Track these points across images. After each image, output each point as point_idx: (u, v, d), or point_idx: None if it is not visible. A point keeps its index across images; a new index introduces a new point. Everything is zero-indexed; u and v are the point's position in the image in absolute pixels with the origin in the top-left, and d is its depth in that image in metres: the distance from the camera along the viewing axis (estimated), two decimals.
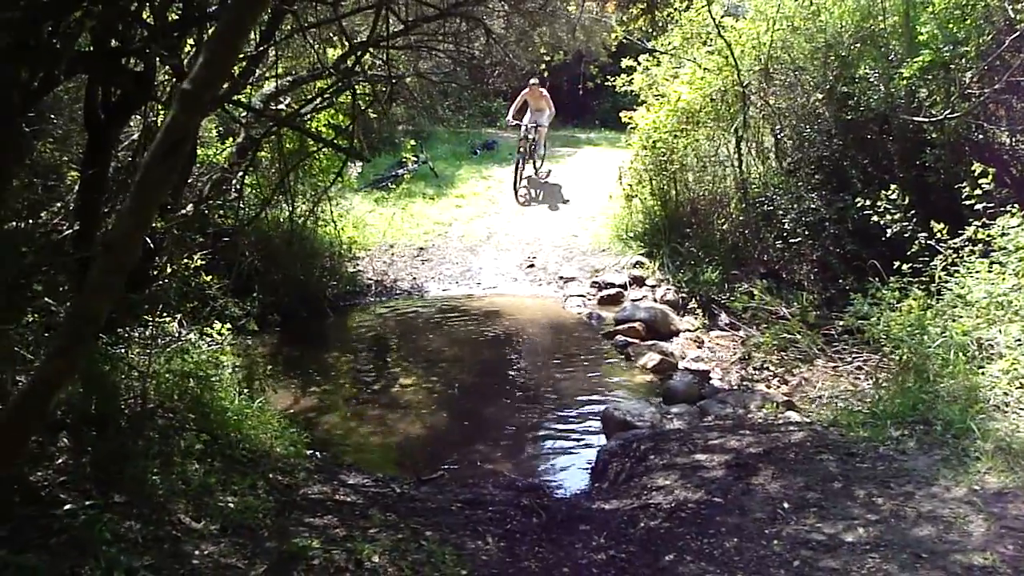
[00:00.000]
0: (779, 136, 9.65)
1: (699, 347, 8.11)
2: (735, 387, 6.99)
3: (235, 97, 5.77)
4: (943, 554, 3.75)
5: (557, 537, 4.29)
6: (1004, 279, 5.82)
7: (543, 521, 4.51)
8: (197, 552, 3.69)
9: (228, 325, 5.88)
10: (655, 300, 9.37)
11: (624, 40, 11.31)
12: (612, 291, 9.88)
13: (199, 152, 7.25)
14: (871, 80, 8.29)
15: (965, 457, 4.58)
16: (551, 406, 6.87)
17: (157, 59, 5.01)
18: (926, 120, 7.77)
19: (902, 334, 5.80)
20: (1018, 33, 7.12)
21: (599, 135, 22.21)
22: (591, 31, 11.83)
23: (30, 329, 4.54)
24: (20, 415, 1.64)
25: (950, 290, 6.05)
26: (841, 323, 6.85)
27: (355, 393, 7.08)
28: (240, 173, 6.63)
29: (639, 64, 10.95)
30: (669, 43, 10.58)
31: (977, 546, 3.78)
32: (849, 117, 8.50)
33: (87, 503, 3.60)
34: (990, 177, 6.52)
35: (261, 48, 6.15)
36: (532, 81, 14.37)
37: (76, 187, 5.76)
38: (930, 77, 7.89)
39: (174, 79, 5.28)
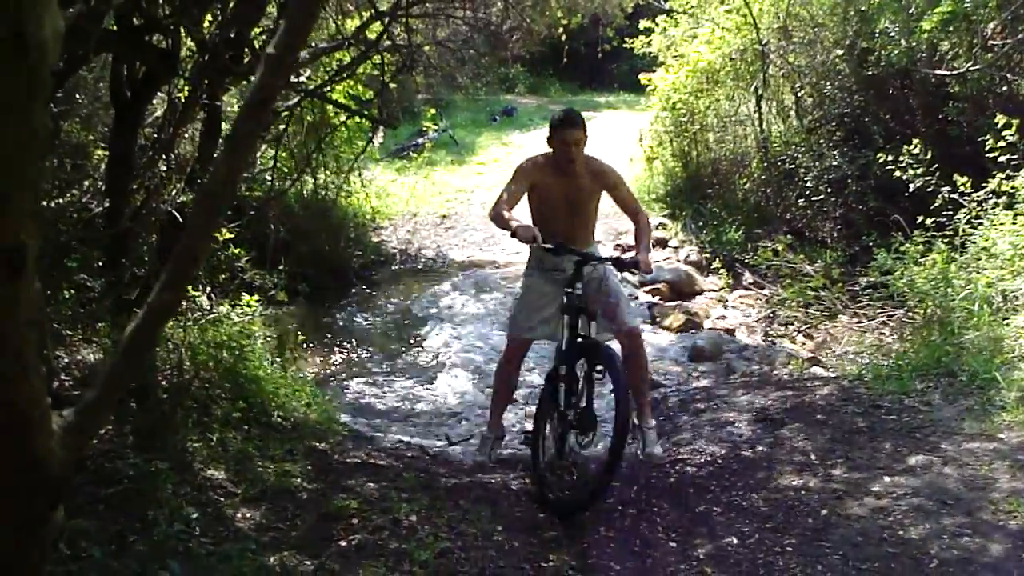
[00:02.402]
0: (799, 94, 9.61)
1: (724, 306, 8.15)
2: (760, 344, 7.04)
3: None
4: (969, 501, 3.82)
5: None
6: None
7: (575, 478, 4.59)
8: (239, 515, 3.81)
9: (257, 296, 5.99)
10: (679, 261, 9.40)
11: (641, 1, 11.24)
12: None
13: (223, 126, 7.31)
14: (891, 34, 8.22)
15: (990, 407, 4.64)
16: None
17: (182, 35, 5.08)
18: (948, 73, 7.71)
19: (926, 288, 5.83)
20: None
21: (617, 98, 22.13)
22: None
23: (67, 305, 4.67)
24: (134, 343, 1.79)
25: (974, 243, 6.05)
26: (865, 279, 6.87)
27: (384, 359, 7.20)
28: (265, 146, 6.70)
29: (657, 25, 10.90)
30: (687, 3, 10.51)
31: (1003, 493, 3.84)
32: (870, 73, 8.45)
33: (131, 471, 3.72)
34: (1014, 128, 6.47)
35: (280, 21, 6.20)
36: (559, 116, 4.61)
37: (103, 165, 5.87)
38: (951, 29, 7.81)
39: (199, 55, 5.34)
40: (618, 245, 10.22)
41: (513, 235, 4.32)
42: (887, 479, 4.13)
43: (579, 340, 4.41)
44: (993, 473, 4.03)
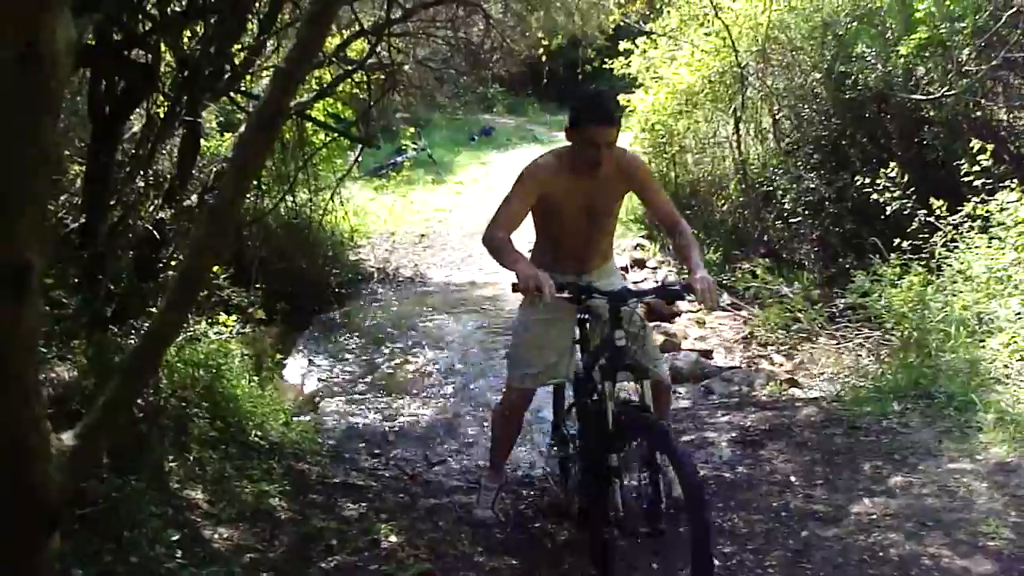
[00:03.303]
0: (777, 116, 9.69)
1: (702, 327, 8.16)
2: (739, 366, 7.05)
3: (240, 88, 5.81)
4: (948, 523, 3.83)
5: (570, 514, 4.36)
6: (1003, 253, 5.89)
7: (555, 499, 4.57)
8: (216, 536, 3.77)
9: (235, 315, 5.95)
10: (656, 282, 9.41)
11: (621, 23, 11.32)
12: None
13: (202, 144, 7.28)
14: (868, 59, 8.32)
15: (968, 429, 4.67)
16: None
17: (162, 50, 5.06)
18: (924, 98, 7.81)
19: (904, 310, 5.88)
20: (1014, 9, 7.16)
21: None
22: (587, 15, 11.89)
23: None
24: (137, 363, 1.75)
25: (950, 266, 6.12)
26: (843, 301, 6.92)
27: (362, 379, 7.15)
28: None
29: (636, 47, 10.98)
30: (666, 25, 10.60)
31: (981, 514, 3.86)
32: (847, 96, 8.53)
33: (107, 491, 3.66)
34: (988, 153, 6.57)
35: (261, 38, 6.19)
36: (587, 105, 3.56)
37: (79, 180, 5.81)
38: (927, 55, 7.92)
39: (179, 71, 5.32)
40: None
41: (515, 287, 3.32)
42: (867, 500, 4.14)
43: (629, 412, 3.36)
44: (971, 494, 4.06)
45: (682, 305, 8.59)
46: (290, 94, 1.72)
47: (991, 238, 6.06)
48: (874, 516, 3.98)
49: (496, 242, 3.55)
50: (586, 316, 3.79)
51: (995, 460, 4.33)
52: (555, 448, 4.40)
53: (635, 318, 3.50)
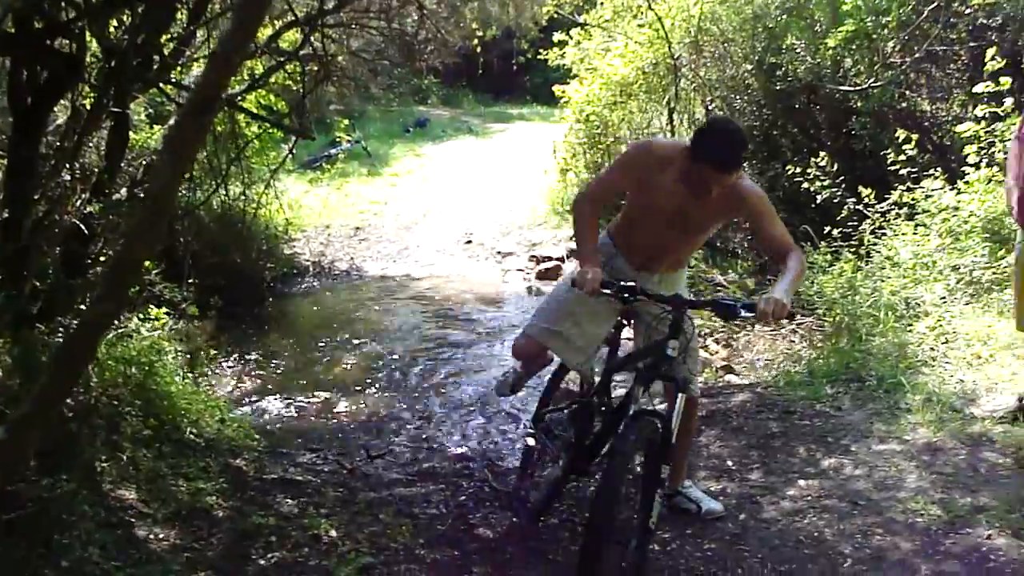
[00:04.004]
0: (710, 107, 9.81)
1: None
2: None
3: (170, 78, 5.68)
4: (879, 502, 3.96)
5: (511, 504, 4.37)
6: (928, 240, 6.08)
7: (496, 491, 4.58)
8: (151, 536, 3.69)
9: (167, 310, 5.82)
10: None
11: (555, 14, 11.35)
12: (551, 264, 9.95)
13: (131, 136, 7.10)
14: (798, 51, 8.48)
15: (897, 410, 4.81)
16: (494, 379, 6.92)
17: (87, 39, 4.91)
18: (851, 89, 7.99)
19: (835, 296, 6.03)
20: (935, 4, 7.37)
21: (531, 110, 22.32)
22: (521, 6, 11.89)
23: None
24: (70, 355, 1.70)
25: (879, 252, 6.30)
26: None
27: (298, 373, 7.06)
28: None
29: (571, 38, 11.02)
30: (600, 17, 10.66)
31: (910, 492, 3.99)
32: (778, 87, 8.68)
33: (36, 493, 3.56)
34: (913, 143, 6.76)
35: (191, 28, 6.06)
36: (713, 146, 3.26)
37: (0, 174, 5.63)
38: (854, 47, 8.11)
39: (106, 61, 5.18)
40: (533, 256, 10.25)
41: (573, 281, 3.36)
42: (802, 483, 4.24)
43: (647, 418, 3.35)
44: (901, 473, 4.19)
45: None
46: (227, 79, 1.68)
47: (917, 225, 6.24)
48: (809, 498, 4.08)
49: (580, 215, 3.60)
50: (626, 320, 3.87)
51: (923, 440, 4.46)
52: (532, 437, 4.29)
53: (689, 329, 3.42)
